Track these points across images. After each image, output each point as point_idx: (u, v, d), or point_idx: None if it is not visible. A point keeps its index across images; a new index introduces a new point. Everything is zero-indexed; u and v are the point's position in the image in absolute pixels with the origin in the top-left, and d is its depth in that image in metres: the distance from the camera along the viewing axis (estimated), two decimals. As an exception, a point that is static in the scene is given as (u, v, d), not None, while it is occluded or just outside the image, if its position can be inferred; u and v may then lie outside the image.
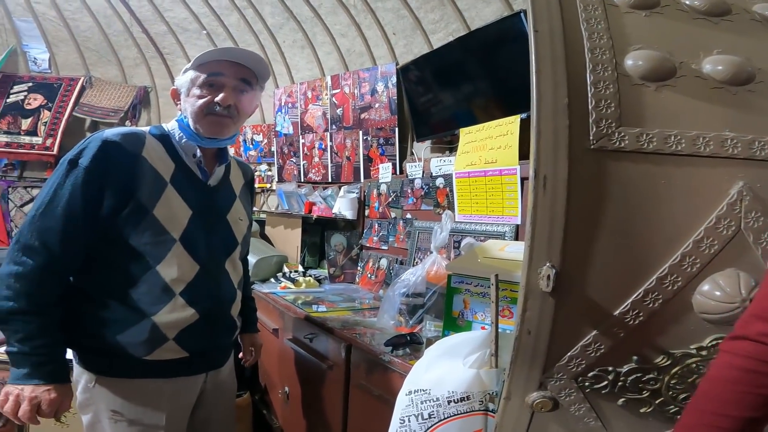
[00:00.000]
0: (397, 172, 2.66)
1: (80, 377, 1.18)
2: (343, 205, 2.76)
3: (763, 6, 0.83)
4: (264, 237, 3.16)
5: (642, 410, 0.77)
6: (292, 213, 3.10)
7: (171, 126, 1.25)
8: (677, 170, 0.73)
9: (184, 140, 1.23)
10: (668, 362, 0.74)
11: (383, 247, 2.51)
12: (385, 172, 2.63)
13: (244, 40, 3.42)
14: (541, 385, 0.78)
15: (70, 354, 1.18)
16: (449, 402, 0.90)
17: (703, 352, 0.73)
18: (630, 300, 0.72)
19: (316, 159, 3.26)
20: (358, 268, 2.67)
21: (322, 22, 2.97)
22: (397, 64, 2.70)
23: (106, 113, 4.04)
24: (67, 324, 1.13)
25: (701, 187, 0.72)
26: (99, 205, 1.10)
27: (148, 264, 1.13)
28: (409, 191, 2.37)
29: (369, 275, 2.55)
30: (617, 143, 0.74)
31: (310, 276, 2.57)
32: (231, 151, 1.55)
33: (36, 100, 4.08)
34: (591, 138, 0.74)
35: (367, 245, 2.63)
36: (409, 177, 2.38)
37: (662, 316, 0.73)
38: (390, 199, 2.53)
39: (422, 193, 2.28)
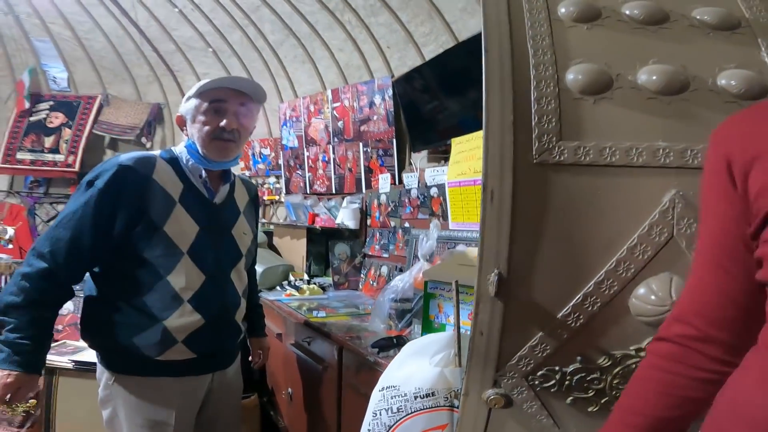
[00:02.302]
0: (396, 183, 2.73)
1: (101, 375, 1.30)
2: (346, 216, 2.84)
3: (701, 11, 0.84)
4: (272, 247, 3.26)
5: (589, 409, 0.80)
6: (298, 224, 3.19)
7: (179, 149, 1.36)
8: (612, 181, 0.76)
9: (191, 162, 1.33)
10: (609, 363, 0.77)
11: (384, 255, 2.57)
12: (384, 182, 2.69)
13: (248, 56, 3.53)
14: (495, 383, 0.82)
15: (93, 356, 1.32)
16: (416, 397, 0.96)
17: (642, 353, 0.75)
18: (571, 303, 0.77)
19: (321, 171, 3.34)
20: (361, 275, 2.73)
21: (320, 38, 3.06)
22: (392, 76, 2.77)
23: (123, 130, 4.19)
24: (89, 327, 1.29)
25: (635, 196, 0.76)
26: (112, 222, 1.22)
27: (160, 274, 1.25)
28: (407, 201, 2.43)
29: (371, 282, 2.61)
30: (557, 157, 0.78)
31: (315, 284, 2.64)
32: (238, 168, 1.64)
33: (57, 119, 4.25)
34: (534, 153, 0.78)
35: (370, 253, 2.70)
36: (406, 187, 2.44)
37: (602, 319, 0.76)
38: (389, 209, 2.59)
39: (418, 203, 2.34)
